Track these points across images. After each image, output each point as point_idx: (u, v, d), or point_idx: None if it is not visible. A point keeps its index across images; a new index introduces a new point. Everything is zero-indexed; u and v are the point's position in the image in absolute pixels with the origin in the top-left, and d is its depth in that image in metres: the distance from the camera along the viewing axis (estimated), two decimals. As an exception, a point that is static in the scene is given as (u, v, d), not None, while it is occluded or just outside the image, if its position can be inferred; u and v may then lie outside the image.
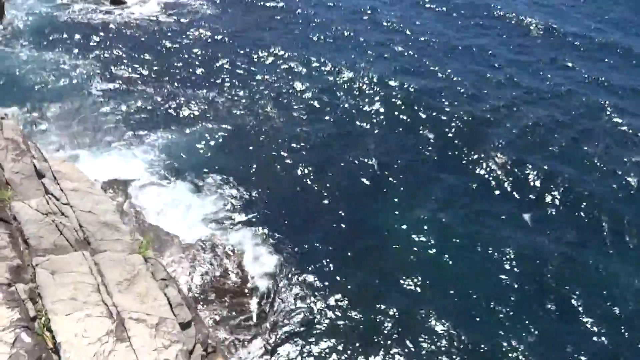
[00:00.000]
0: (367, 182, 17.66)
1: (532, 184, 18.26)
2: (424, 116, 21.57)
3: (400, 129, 20.90)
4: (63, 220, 8.43)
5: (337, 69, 24.82)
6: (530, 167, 18.83)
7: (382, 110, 21.95)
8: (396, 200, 16.84)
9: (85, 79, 22.07)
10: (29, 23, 25.85)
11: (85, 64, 23.07)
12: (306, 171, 17.76)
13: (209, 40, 27.13)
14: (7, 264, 7.31)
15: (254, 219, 15.55)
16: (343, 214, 16.04)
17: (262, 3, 32.62)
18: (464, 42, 28.43)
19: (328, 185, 17.26)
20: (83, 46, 24.46)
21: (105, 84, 21.90)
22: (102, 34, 25.65)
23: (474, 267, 14.57)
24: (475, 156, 19.29)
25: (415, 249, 15.04)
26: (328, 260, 14.36)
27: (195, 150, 18.52)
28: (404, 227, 15.72)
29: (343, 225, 15.68)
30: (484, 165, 18.87)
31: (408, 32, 28.90)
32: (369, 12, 31.72)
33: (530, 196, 17.70)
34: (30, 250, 7.87)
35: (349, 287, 13.62)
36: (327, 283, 13.64)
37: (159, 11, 29.25)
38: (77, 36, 25.18)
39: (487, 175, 18.47)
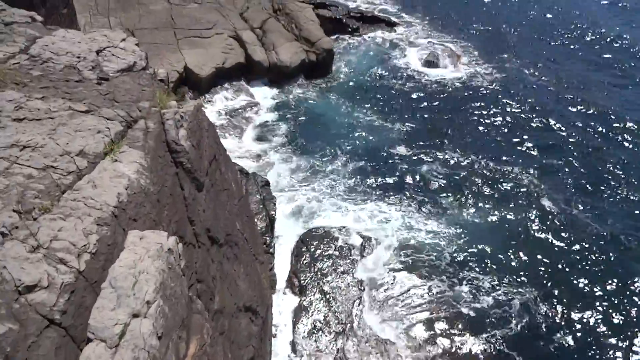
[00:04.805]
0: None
1: None
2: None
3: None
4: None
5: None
6: None
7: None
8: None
9: (387, 138, 22.67)
10: (350, 77, 27.58)
11: (391, 123, 23.91)
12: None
13: (525, 108, 25.69)
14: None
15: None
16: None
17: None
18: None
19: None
20: (392, 106, 25.44)
21: (405, 148, 22.13)
22: (412, 96, 26.47)
23: None
24: None
25: None
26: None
27: (493, 238, 17.57)
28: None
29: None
30: None
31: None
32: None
33: None
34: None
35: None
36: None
37: (471, 76, 28.84)
38: (387, 96, 26.29)
39: None
